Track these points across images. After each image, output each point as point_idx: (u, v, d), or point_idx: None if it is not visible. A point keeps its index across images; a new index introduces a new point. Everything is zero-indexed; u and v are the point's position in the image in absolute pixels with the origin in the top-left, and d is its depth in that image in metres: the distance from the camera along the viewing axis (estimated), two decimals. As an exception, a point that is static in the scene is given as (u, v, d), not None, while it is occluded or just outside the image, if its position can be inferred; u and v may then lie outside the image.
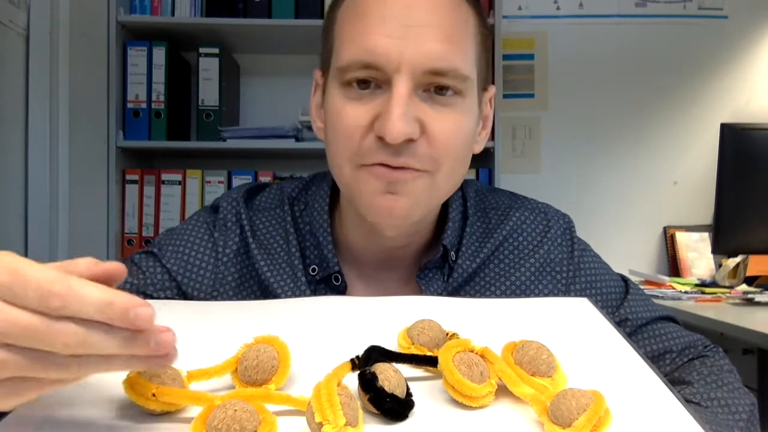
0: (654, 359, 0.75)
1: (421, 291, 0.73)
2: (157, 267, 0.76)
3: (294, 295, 0.73)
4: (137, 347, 0.37)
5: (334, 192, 0.77)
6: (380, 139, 0.63)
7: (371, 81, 0.65)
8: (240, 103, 2.21)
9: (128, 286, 0.73)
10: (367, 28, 0.64)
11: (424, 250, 0.77)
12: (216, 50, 1.97)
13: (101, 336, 0.36)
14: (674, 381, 0.72)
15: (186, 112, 2.11)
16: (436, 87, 0.65)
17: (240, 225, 0.77)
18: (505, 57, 2.20)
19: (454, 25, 0.66)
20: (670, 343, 0.76)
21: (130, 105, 1.92)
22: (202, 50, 1.97)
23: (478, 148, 0.74)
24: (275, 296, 0.73)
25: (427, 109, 0.65)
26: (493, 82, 0.71)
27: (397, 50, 0.63)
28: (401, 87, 0.63)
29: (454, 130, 0.66)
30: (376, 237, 0.73)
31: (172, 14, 1.98)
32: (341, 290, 0.74)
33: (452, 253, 0.75)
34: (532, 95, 2.30)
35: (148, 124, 1.92)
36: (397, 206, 0.66)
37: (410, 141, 0.64)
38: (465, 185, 0.82)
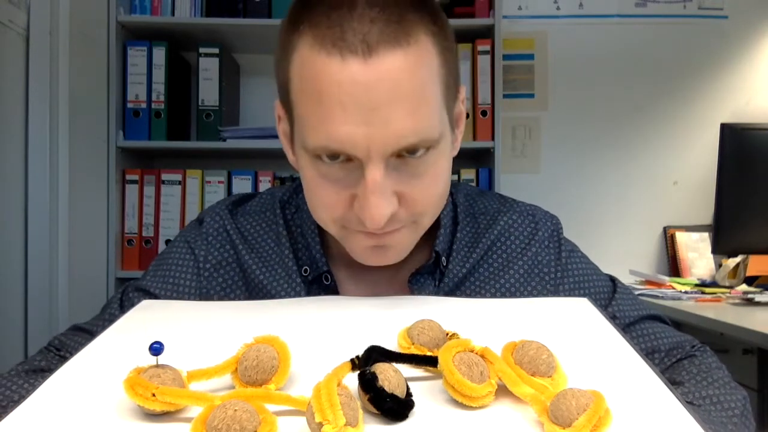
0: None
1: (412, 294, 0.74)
2: (146, 298, 0.76)
3: (289, 295, 0.74)
4: None
5: None
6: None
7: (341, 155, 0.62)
8: (240, 103, 2.21)
9: None
10: (327, 115, 0.60)
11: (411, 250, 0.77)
12: (216, 50, 1.97)
13: None
14: None
15: (186, 112, 2.11)
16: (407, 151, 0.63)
17: (224, 236, 0.78)
18: (505, 57, 2.20)
19: (419, 87, 0.61)
20: (658, 343, 0.76)
21: (130, 105, 1.92)
22: (202, 50, 1.97)
23: (454, 153, 0.73)
24: (271, 298, 0.74)
25: (402, 179, 0.63)
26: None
27: (364, 138, 0.59)
28: (374, 172, 0.60)
29: (433, 183, 0.65)
30: None
31: (172, 14, 1.98)
32: (332, 290, 0.74)
33: (443, 258, 0.75)
34: (532, 95, 2.30)
35: (148, 124, 1.92)
36: (385, 257, 0.69)
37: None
38: (455, 190, 0.82)
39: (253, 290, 0.75)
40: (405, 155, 0.62)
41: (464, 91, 0.74)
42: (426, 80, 0.62)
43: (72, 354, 0.53)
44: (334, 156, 0.62)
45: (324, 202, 0.66)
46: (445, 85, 0.66)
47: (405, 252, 0.70)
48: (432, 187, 0.66)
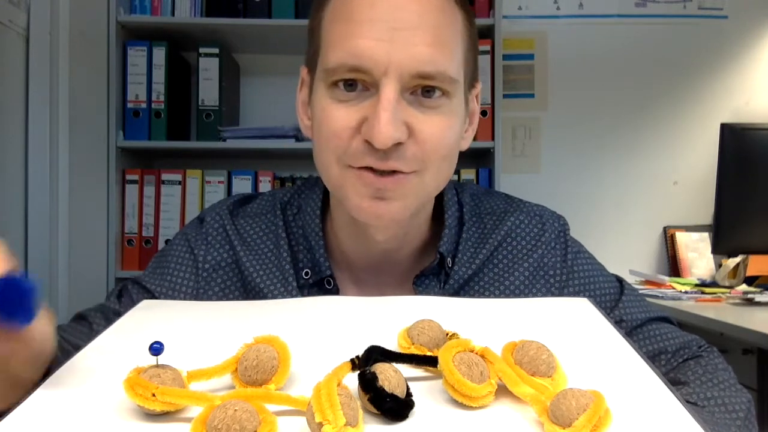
0: (649, 360, 0.75)
1: None
2: (142, 293, 0.77)
3: (284, 298, 0.73)
4: None
5: (326, 196, 0.77)
6: (368, 142, 0.63)
7: (358, 82, 0.64)
8: (240, 103, 2.21)
9: (114, 315, 0.73)
10: (354, 30, 0.63)
11: (417, 254, 0.77)
12: (216, 50, 1.97)
13: None
14: (670, 382, 0.72)
15: (186, 112, 2.11)
16: (423, 89, 0.65)
17: (223, 237, 0.78)
18: (505, 57, 2.19)
19: (442, 26, 0.65)
20: (665, 344, 0.76)
21: (130, 105, 1.92)
22: (202, 50, 1.97)
23: (465, 145, 0.74)
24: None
25: (414, 112, 0.65)
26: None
27: (384, 54, 0.62)
28: (389, 91, 0.62)
29: (442, 131, 0.66)
30: (367, 240, 0.73)
31: (172, 14, 1.98)
32: (334, 294, 0.74)
33: (449, 259, 0.75)
34: (532, 95, 2.30)
35: (148, 124, 1.92)
36: (386, 211, 0.66)
37: (398, 144, 0.64)
38: (460, 190, 0.82)
39: (250, 292, 0.75)
40: (420, 95, 0.65)
41: (479, 88, 0.76)
42: (450, 29, 0.67)
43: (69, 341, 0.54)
44: (351, 83, 0.64)
45: (333, 128, 0.65)
46: (466, 51, 0.69)
47: (407, 209, 0.68)
48: (441, 132, 0.66)
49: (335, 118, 0.65)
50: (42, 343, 0.51)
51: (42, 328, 0.50)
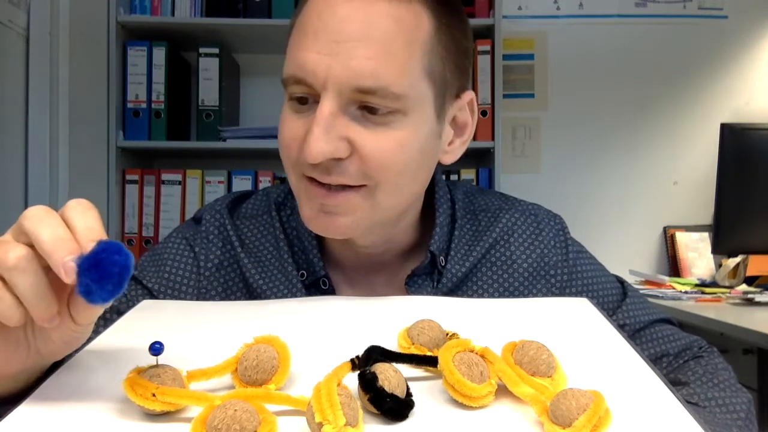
0: (651, 362, 0.75)
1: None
2: (138, 288, 0.75)
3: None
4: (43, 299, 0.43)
5: None
6: None
7: (309, 96, 0.64)
8: (240, 103, 2.21)
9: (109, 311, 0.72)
10: (302, 42, 0.63)
11: (408, 254, 0.76)
12: (216, 50, 1.97)
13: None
14: (671, 382, 0.72)
15: (186, 112, 2.11)
16: (368, 105, 0.63)
17: (224, 237, 0.77)
18: (505, 57, 2.19)
19: (393, 37, 0.62)
20: (668, 347, 0.76)
21: (130, 105, 1.92)
22: (202, 50, 1.97)
23: (448, 159, 0.72)
24: None
25: (357, 128, 0.63)
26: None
27: (324, 67, 0.61)
28: (325, 105, 0.61)
29: (393, 147, 0.63)
30: (350, 244, 0.72)
31: (172, 14, 1.98)
32: (330, 294, 0.73)
33: (441, 258, 0.74)
34: (532, 95, 2.30)
35: (148, 124, 1.92)
36: (334, 226, 0.66)
37: (339, 159, 0.63)
38: (453, 188, 0.81)
39: (252, 293, 0.75)
40: (366, 111, 0.63)
41: (471, 98, 0.72)
42: (403, 38, 0.63)
43: None
44: (302, 99, 0.64)
45: (284, 138, 0.66)
46: (433, 63, 0.65)
47: (356, 226, 0.67)
48: (391, 150, 0.63)
49: (287, 129, 0.66)
50: (88, 327, 0.49)
51: (97, 310, 0.47)
